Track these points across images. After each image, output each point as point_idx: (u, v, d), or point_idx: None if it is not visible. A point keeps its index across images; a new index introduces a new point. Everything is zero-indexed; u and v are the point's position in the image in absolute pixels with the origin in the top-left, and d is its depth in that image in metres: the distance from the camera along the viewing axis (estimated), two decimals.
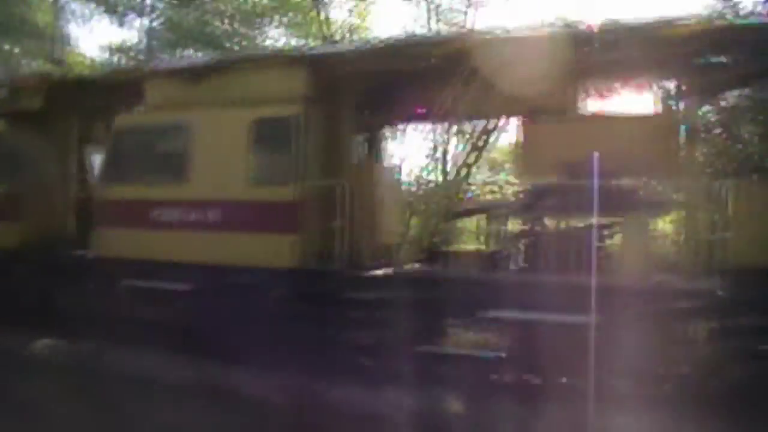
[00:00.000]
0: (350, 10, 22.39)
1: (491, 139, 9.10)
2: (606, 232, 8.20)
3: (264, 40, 23.38)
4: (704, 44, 7.67)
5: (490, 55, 8.33)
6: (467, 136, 9.58)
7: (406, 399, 7.53)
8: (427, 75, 8.76)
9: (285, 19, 23.74)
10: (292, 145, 8.88)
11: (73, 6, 25.85)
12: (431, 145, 17.09)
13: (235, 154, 9.16)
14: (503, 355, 7.79)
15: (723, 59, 8.05)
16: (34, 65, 24.48)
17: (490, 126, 9.13)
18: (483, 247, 8.89)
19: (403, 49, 8.69)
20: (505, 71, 8.32)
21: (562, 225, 8.47)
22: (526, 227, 8.50)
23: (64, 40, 26.14)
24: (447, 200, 8.72)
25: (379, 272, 8.48)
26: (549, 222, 8.56)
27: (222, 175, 9.27)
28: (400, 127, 12.96)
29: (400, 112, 9.68)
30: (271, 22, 23.83)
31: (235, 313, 8.86)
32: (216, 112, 9.37)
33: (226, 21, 23.26)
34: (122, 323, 9.45)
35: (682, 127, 8.10)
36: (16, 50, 25.15)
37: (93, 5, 25.32)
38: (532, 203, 8.72)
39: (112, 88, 10.42)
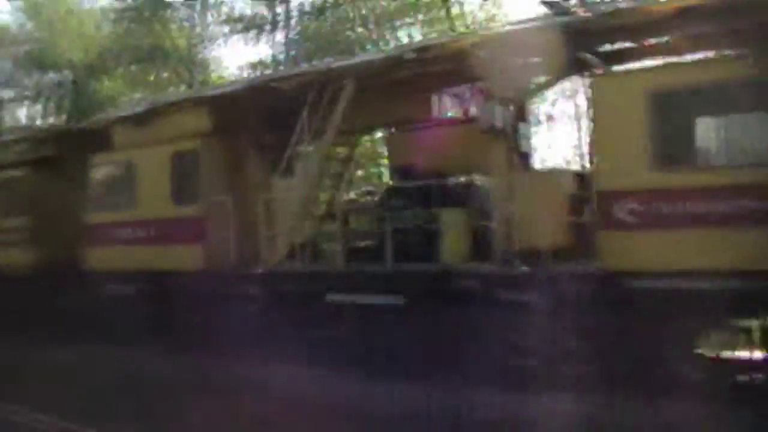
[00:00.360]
0: (481, 3, 22.58)
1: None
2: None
3: (399, 41, 23.12)
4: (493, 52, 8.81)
5: (335, 82, 9.99)
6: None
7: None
8: (302, 102, 10.51)
9: (418, 18, 23.75)
10: (197, 171, 11.15)
11: (212, 29, 27.56)
12: None
13: (163, 182, 11.58)
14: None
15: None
16: (180, 90, 26.20)
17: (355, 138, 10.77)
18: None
19: (266, 85, 10.56)
20: (357, 93, 9.95)
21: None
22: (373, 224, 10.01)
23: (205, 63, 27.76)
24: (309, 204, 10.38)
25: (256, 271, 10.41)
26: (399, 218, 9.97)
27: (156, 199, 11.73)
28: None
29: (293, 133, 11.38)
30: (402, 25, 24.01)
31: (165, 309, 11.27)
32: (150, 149, 11.83)
33: (359, 26, 23.78)
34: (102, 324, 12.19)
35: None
36: (163, 75, 27.96)
37: (229, 27, 26.85)
38: (382, 203, 10.23)
39: (97, 134, 13.21)
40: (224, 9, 27.41)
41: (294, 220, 10.20)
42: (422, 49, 9.22)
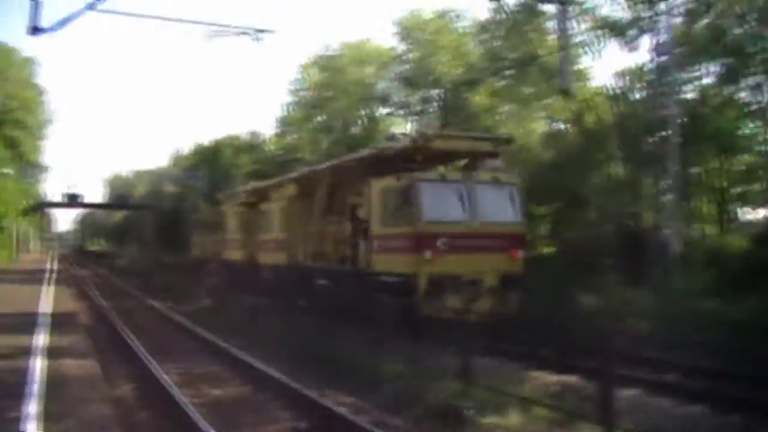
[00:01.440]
0: None
1: None
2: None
3: None
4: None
5: (335, 174, 21.53)
6: None
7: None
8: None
9: None
10: (287, 215, 24.04)
11: (580, 36, 26.54)
12: None
13: (277, 220, 25.29)
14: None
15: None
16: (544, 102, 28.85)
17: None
18: None
19: (310, 175, 22.73)
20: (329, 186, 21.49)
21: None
22: None
23: (572, 72, 25.51)
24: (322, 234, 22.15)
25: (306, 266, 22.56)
26: None
27: (275, 228, 25.67)
28: None
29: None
30: None
31: (277, 282, 24.24)
32: (275, 203, 25.92)
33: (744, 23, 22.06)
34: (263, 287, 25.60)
35: None
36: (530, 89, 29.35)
37: (600, 32, 26.05)
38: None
39: (265, 192, 26.72)
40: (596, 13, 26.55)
41: (313, 242, 22.11)
42: (335, 166, 21.13)
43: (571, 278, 18.92)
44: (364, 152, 19.35)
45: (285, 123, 51.24)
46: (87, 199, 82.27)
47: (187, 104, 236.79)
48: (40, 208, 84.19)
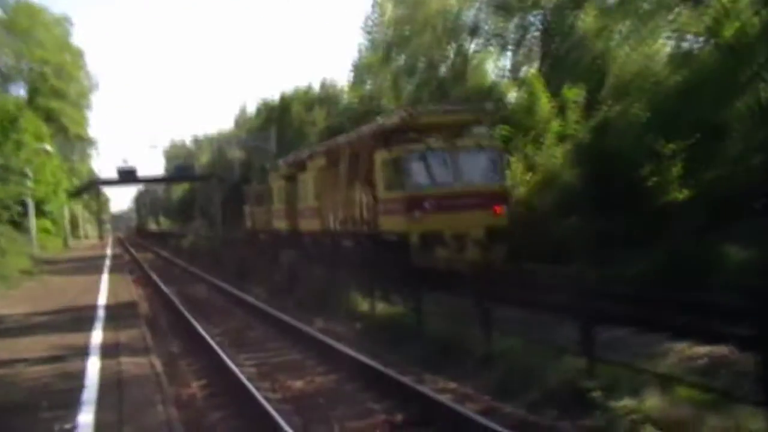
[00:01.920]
0: None
1: None
2: None
3: None
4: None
5: (354, 146, 21.84)
6: None
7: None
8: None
9: None
10: (319, 184, 25.10)
11: None
12: None
13: (311, 189, 25.86)
14: None
15: None
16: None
17: None
18: None
19: (336, 146, 23.70)
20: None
21: None
22: None
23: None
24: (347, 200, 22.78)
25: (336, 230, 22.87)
26: None
27: (310, 197, 26.02)
28: None
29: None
30: None
31: (314, 244, 25.75)
32: (310, 172, 26.31)
33: None
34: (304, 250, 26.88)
35: None
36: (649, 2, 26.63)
37: None
38: None
39: (301, 163, 28.51)
40: None
41: (341, 209, 22.59)
42: (353, 139, 22.72)
43: (712, 227, 18.07)
44: (371, 127, 22.44)
45: (361, 69, 48.38)
46: (144, 174, 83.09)
47: (248, 57, 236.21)
48: (91, 188, 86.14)
